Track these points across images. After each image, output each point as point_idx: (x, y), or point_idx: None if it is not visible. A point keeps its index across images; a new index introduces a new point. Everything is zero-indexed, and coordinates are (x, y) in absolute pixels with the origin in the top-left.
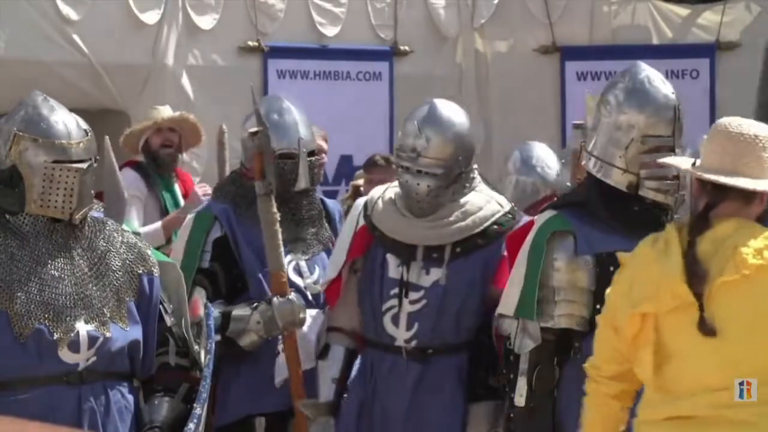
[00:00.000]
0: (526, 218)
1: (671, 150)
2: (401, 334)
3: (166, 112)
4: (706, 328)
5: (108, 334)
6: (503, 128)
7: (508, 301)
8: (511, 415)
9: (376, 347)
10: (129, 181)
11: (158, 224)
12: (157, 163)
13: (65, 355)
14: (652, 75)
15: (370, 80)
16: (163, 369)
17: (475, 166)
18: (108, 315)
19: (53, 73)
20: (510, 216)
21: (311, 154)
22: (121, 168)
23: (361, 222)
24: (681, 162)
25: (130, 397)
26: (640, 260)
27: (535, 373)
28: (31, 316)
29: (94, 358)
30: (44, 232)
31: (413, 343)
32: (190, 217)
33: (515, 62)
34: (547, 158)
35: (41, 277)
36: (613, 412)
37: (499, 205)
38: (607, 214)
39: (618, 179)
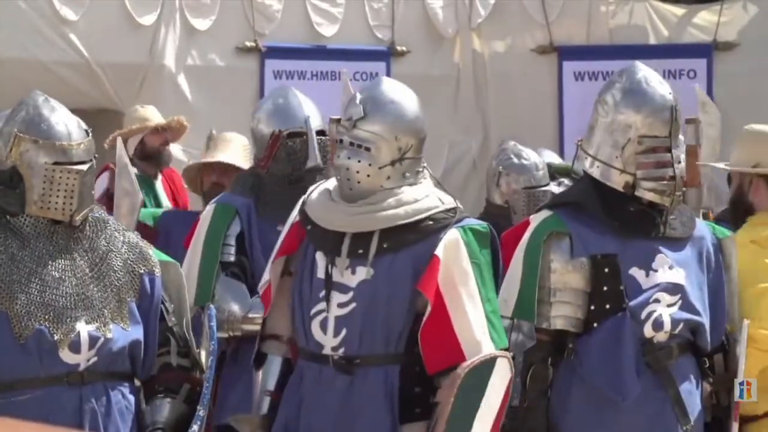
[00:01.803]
0: (471, 220)
1: (668, 150)
2: (329, 341)
3: (151, 111)
4: None
5: (109, 335)
6: (500, 128)
7: (505, 302)
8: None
9: (305, 356)
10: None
11: None
12: (157, 162)
13: (66, 355)
14: (649, 75)
15: (367, 80)
16: (164, 369)
17: (424, 164)
18: (109, 315)
19: (50, 73)
20: (451, 214)
21: (320, 133)
22: (99, 174)
23: (296, 216)
24: None
25: (131, 398)
26: None
27: (530, 373)
28: (31, 317)
29: (95, 359)
30: (45, 233)
31: (341, 351)
32: (209, 208)
33: (513, 62)
34: None
35: (42, 278)
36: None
37: (440, 201)
38: (603, 214)
39: (615, 179)
